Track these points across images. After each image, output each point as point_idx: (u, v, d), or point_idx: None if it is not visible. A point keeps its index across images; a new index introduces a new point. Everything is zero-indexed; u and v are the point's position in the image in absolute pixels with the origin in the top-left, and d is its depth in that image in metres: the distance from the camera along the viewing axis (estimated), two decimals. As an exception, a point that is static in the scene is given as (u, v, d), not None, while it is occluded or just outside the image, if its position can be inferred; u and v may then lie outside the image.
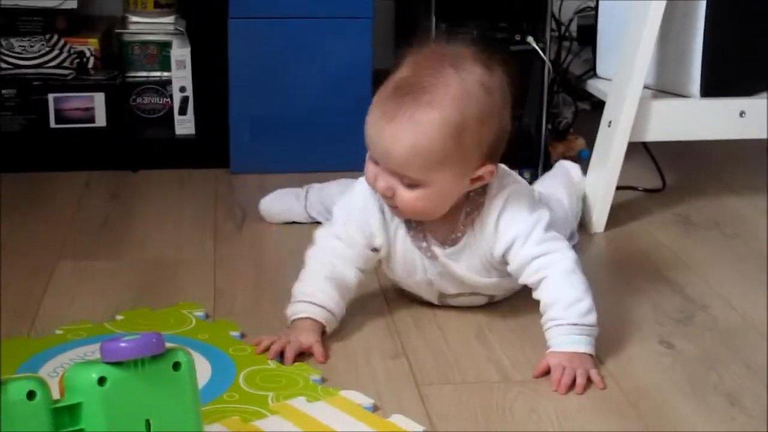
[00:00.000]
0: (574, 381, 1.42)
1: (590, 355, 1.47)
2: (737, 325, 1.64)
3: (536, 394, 1.42)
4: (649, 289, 1.76)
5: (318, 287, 1.54)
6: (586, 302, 1.49)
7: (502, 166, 1.57)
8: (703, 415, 1.37)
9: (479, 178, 1.50)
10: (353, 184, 1.60)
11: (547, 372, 1.45)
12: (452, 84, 1.44)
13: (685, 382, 1.46)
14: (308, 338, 1.50)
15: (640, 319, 1.65)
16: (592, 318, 1.48)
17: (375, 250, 1.58)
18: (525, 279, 1.54)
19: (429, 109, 1.43)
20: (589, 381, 1.43)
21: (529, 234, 1.52)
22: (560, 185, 1.93)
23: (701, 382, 1.46)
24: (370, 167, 1.50)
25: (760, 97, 2.09)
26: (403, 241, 1.58)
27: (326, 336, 1.53)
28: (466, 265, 1.56)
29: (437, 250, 1.57)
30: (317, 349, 1.49)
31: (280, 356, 1.48)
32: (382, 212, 1.57)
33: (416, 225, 1.57)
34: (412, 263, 1.60)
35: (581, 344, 1.47)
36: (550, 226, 1.53)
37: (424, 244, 1.58)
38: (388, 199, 1.50)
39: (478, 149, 1.47)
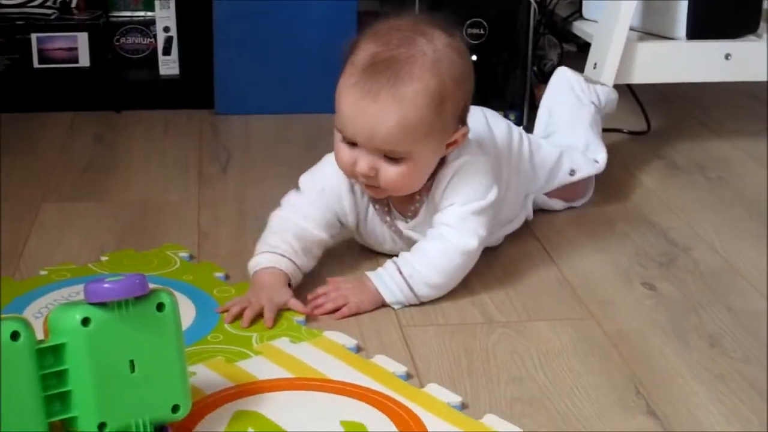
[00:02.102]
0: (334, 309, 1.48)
1: (384, 305, 1.49)
2: (719, 268, 1.65)
3: (519, 335, 1.43)
4: (632, 232, 1.77)
5: (282, 239, 1.52)
6: (437, 279, 1.50)
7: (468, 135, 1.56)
8: (683, 357, 1.39)
9: (454, 142, 1.50)
10: (323, 160, 1.59)
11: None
12: (427, 52, 1.43)
13: (667, 324, 1.47)
14: (281, 295, 1.47)
15: (623, 262, 1.66)
16: (424, 291, 1.49)
17: (341, 223, 1.59)
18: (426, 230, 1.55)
19: (411, 81, 1.42)
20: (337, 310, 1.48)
21: (462, 204, 1.51)
22: (586, 128, 1.88)
23: (683, 324, 1.47)
24: (345, 152, 1.47)
25: (746, 39, 2.09)
26: (372, 217, 1.59)
27: (296, 289, 1.51)
28: None
29: (400, 224, 1.58)
30: (296, 305, 1.46)
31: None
32: (353, 192, 1.57)
33: (383, 200, 1.57)
34: (382, 236, 1.61)
35: (391, 295, 1.49)
36: (483, 211, 1.52)
37: (389, 219, 1.58)
38: (371, 179, 1.47)
39: (455, 113, 1.47)
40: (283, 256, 1.50)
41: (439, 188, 1.53)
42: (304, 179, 1.59)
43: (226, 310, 1.45)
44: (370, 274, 1.51)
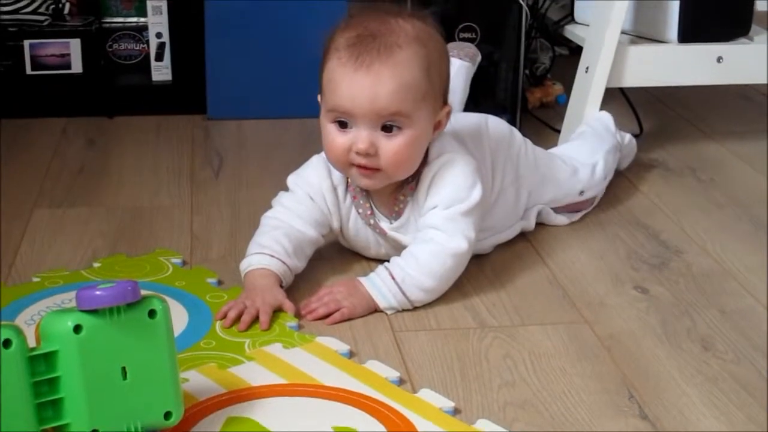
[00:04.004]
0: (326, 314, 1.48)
1: (377, 310, 1.49)
2: (711, 271, 1.65)
3: (511, 339, 1.43)
4: (624, 235, 1.77)
5: (273, 239, 1.53)
6: (429, 283, 1.50)
7: (445, 132, 1.57)
8: (676, 360, 1.39)
9: (439, 123, 1.52)
10: (309, 161, 1.60)
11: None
12: (407, 27, 1.48)
13: (659, 327, 1.48)
14: (275, 297, 1.47)
15: (615, 265, 1.66)
16: (416, 296, 1.49)
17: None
18: (414, 234, 1.55)
19: (399, 48, 1.45)
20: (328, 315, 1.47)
21: (447, 206, 1.51)
22: (589, 148, 1.89)
23: (675, 327, 1.48)
24: (338, 137, 1.48)
25: (738, 42, 2.10)
26: (354, 221, 1.59)
27: (288, 291, 1.51)
28: (413, 237, 1.55)
29: (384, 225, 1.58)
30: (290, 307, 1.46)
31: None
32: (335, 193, 1.57)
33: (364, 202, 1.57)
34: (366, 240, 1.61)
35: (384, 301, 1.49)
36: (470, 212, 1.52)
37: (372, 221, 1.58)
38: (370, 159, 1.47)
39: (440, 85, 1.50)
40: (274, 257, 1.51)
41: (423, 186, 1.53)
42: (292, 179, 1.61)
43: (224, 317, 1.45)
44: (362, 279, 1.51)
